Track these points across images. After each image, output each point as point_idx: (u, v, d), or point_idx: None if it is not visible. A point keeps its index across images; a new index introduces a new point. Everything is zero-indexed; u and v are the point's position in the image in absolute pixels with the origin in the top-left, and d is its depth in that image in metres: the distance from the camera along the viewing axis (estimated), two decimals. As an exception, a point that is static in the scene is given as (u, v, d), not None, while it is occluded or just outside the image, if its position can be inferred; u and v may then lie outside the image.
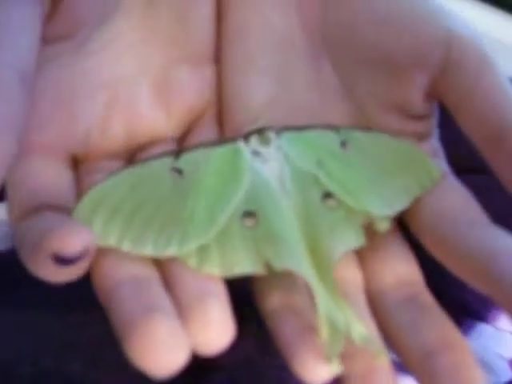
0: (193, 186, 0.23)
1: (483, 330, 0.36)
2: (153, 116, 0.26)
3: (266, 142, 0.24)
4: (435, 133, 0.27)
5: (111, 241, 0.21)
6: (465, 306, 0.34)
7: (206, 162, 0.24)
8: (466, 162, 0.28)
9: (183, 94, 0.26)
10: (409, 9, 0.25)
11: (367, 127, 0.26)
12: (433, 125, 0.27)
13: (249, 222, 0.23)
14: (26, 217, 0.22)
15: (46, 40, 0.24)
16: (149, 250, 0.22)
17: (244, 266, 0.22)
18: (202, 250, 0.22)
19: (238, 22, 0.27)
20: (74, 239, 0.19)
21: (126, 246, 0.22)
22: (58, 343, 0.30)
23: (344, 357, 0.21)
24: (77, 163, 0.25)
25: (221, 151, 0.24)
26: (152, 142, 0.26)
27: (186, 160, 0.24)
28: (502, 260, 0.20)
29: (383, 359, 0.21)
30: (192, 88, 0.27)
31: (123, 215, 0.22)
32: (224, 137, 0.27)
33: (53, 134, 0.24)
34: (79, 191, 0.24)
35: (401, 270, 0.24)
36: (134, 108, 0.26)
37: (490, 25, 0.44)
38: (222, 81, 0.27)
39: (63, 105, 0.24)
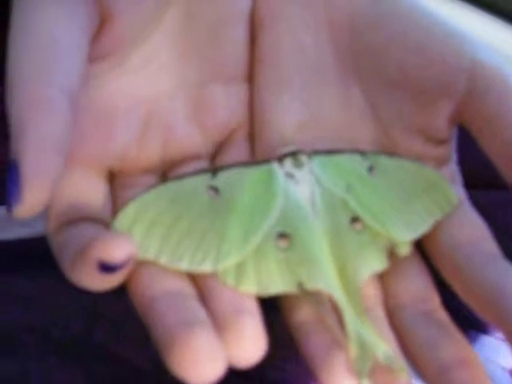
0: (228, 204, 0.24)
1: (485, 341, 0.37)
2: (187, 133, 0.27)
3: (299, 164, 0.25)
4: (454, 157, 0.28)
5: (149, 254, 0.22)
6: (467, 317, 0.35)
7: (241, 181, 0.24)
8: (470, 179, 0.28)
9: (217, 112, 0.27)
10: (439, 39, 0.26)
11: (392, 152, 0.26)
12: (452, 149, 0.27)
13: (283, 243, 0.23)
14: (64, 228, 0.22)
15: (89, 59, 0.24)
16: (185, 265, 0.22)
17: (278, 285, 0.23)
18: (240, 269, 0.23)
19: (270, 44, 0.28)
20: (119, 247, 0.20)
21: (163, 260, 0.22)
22: (87, 313, 0.31)
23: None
24: (112, 177, 0.25)
25: (256, 172, 0.25)
26: (185, 159, 0.26)
27: (223, 178, 0.24)
28: (510, 298, 0.22)
29: (405, 376, 0.22)
30: (226, 106, 0.27)
31: (161, 229, 0.23)
32: (255, 155, 0.27)
33: (91, 150, 0.25)
34: (114, 204, 0.24)
35: (418, 288, 0.25)
36: (169, 125, 0.26)
37: (491, 35, 0.44)
38: (254, 101, 0.28)
39: (102, 121, 0.25)
